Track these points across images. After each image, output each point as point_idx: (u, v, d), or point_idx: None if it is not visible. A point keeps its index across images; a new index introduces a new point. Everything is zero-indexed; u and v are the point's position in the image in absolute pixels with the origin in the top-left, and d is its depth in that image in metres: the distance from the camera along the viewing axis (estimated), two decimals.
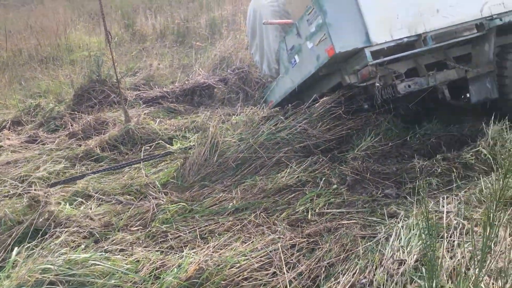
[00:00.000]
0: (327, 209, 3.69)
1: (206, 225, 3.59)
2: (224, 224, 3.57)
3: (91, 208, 4.07)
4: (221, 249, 3.12)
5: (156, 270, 2.90)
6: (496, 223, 2.36)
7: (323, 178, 4.16)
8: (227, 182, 4.35)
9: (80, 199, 4.28)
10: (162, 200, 4.05)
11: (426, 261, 2.56)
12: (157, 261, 2.98)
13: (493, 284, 2.32)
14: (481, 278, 2.27)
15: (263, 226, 3.44)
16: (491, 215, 2.29)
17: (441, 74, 4.82)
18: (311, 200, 3.83)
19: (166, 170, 4.90)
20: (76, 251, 3.10)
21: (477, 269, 2.29)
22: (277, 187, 4.09)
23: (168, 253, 3.17)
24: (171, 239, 3.41)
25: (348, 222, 3.44)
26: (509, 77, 4.73)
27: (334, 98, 5.01)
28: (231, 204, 3.90)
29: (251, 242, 3.18)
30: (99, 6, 6.25)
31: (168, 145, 5.67)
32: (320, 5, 4.21)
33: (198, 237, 3.39)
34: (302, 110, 5.04)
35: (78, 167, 5.30)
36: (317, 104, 5.05)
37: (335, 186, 4.04)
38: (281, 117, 5.00)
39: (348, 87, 4.81)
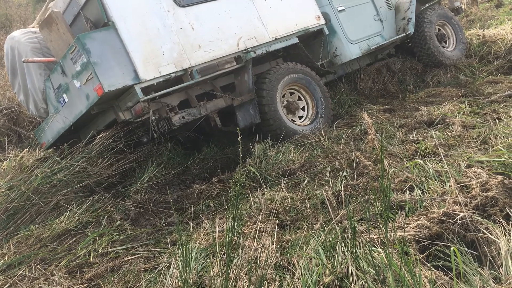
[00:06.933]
0: (110, 247, 3.64)
1: None
2: None
3: None
4: None
5: None
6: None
7: (106, 216, 4.10)
8: None
9: None
10: None
11: (200, 282, 2.79)
12: None
13: None
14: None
15: (39, 279, 3.21)
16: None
17: (211, 103, 5.16)
18: (94, 242, 3.73)
19: None
20: None
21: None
22: (56, 233, 3.87)
23: None
24: None
25: (132, 257, 3.46)
26: (267, 104, 5.29)
27: (112, 133, 4.98)
28: (2, 261, 3.54)
29: None
30: None
31: None
32: (82, 44, 4.13)
33: None
34: (79, 148, 4.87)
35: None
36: (95, 141, 4.94)
37: (118, 222, 4.01)
38: (57, 158, 4.74)
39: (124, 123, 4.84)
